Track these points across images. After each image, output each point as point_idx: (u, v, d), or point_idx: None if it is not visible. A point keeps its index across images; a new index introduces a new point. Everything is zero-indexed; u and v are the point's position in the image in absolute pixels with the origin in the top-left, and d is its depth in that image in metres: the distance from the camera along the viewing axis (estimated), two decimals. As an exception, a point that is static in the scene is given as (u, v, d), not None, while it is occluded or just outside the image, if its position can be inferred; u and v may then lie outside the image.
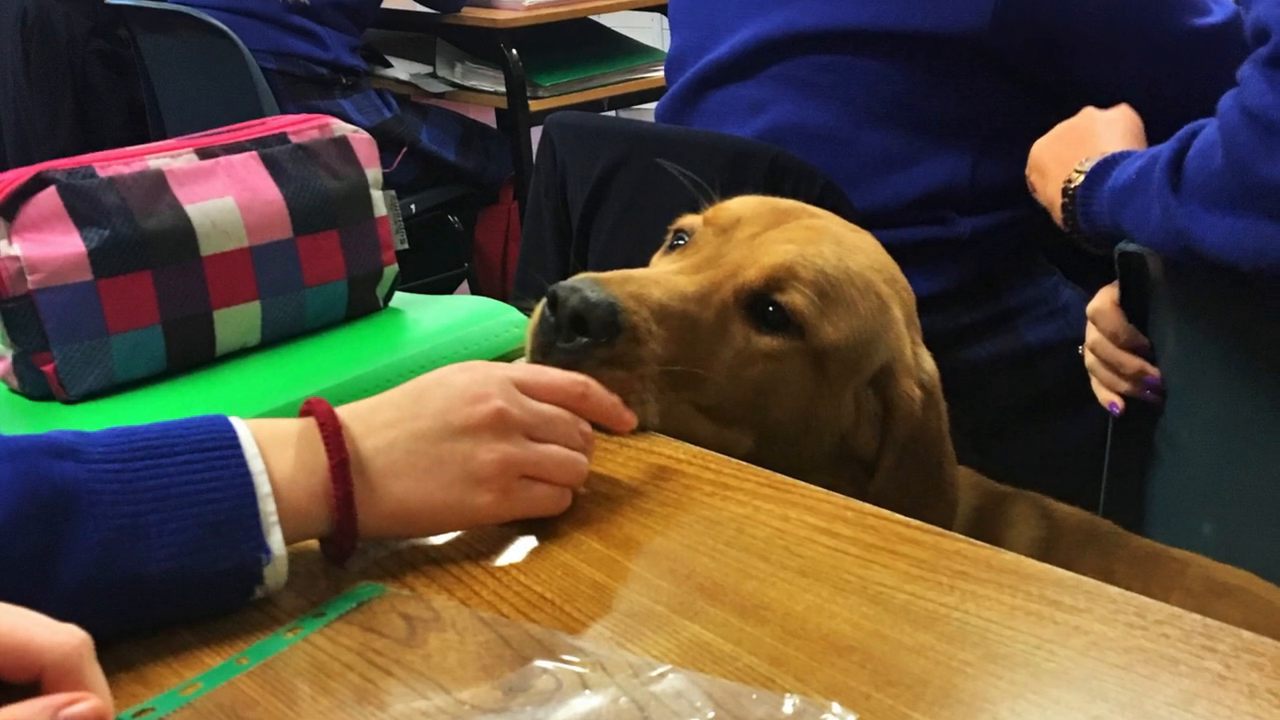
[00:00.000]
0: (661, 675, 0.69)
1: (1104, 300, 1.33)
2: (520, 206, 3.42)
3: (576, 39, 3.53)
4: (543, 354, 1.00)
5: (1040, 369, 1.65)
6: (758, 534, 0.86)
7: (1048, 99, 1.61)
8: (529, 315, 1.05)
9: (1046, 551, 1.11)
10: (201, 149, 1.21)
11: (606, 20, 3.65)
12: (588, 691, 0.68)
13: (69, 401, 1.12)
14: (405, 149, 3.25)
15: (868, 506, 0.89)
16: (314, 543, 0.84)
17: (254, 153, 1.23)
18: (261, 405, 1.10)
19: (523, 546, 0.87)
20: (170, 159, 1.19)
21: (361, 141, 1.31)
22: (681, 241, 1.16)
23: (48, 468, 0.74)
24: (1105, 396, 1.33)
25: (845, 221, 1.17)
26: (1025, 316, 1.67)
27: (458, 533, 0.88)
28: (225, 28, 3.02)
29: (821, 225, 1.13)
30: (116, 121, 3.81)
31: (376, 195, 1.30)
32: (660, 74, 3.33)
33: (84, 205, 1.12)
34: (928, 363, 1.13)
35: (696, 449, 0.99)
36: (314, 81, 3.14)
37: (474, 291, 3.60)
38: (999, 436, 1.62)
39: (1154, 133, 1.36)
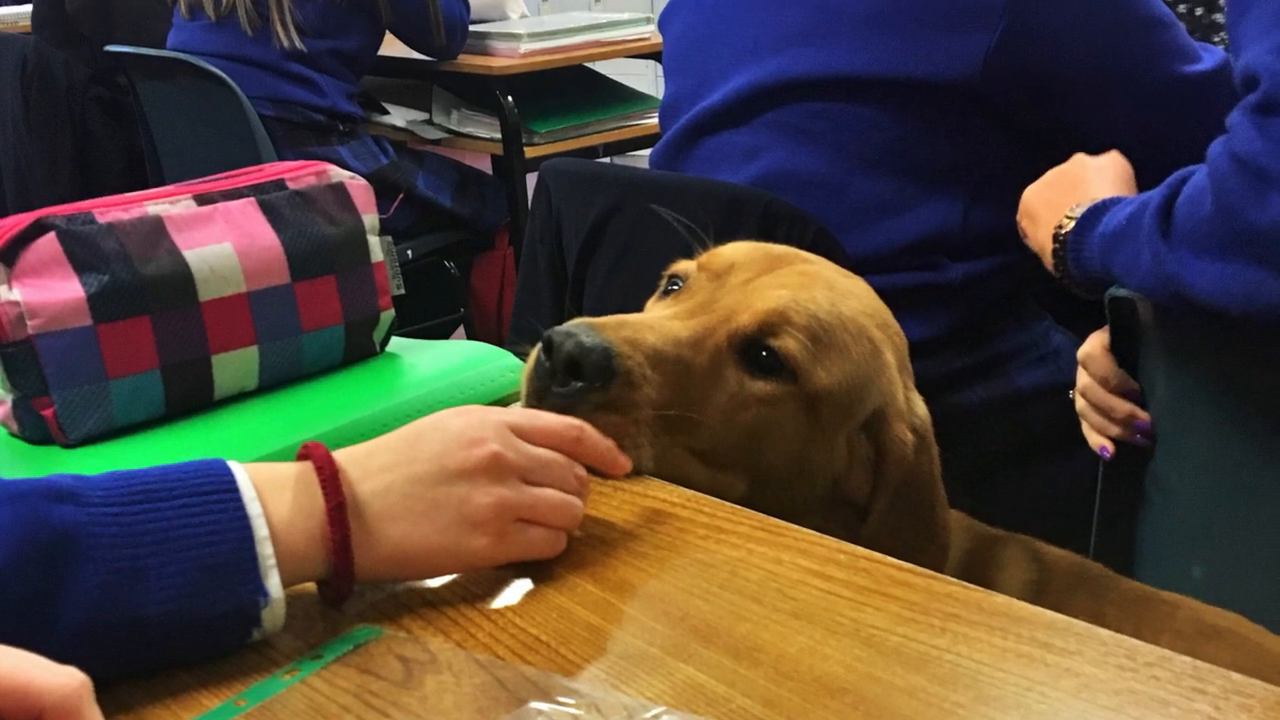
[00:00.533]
0: (656, 717, 0.70)
1: (1094, 345, 1.33)
2: (516, 252, 3.42)
3: (571, 86, 3.55)
4: (538, 398, 1.01)
5: (1031, 413, 1.65)
6: (751, 577, 0.86)
7: (1039, 145, 1.62)
8: (524, 360, 1.05)
9: (1038, 594, 1.12)
10: (200, 195, 1.22)
11: (601, 67, 3.67)
12: (583, 733, 0.69)
13: (68, 445, 1.12)
14: (402, 195, 3.26)
15: (860, 550, 0.89)
16: (311, 585, 0.85)
17: (252, 199, 1.24)
18: (259, 449, 1.10)
19: (518, 589, 0.88)
20: (169, 205, 1.19)
21: (358, 188, 1.31)
22: (676, 287, 1.17)
23: (47, 511, 0.75)
24: (1096, 440, 1.34)
25: (838, 267, 1.18)
26: (1016, 361, 1.67)
27: (454, 575, 0.89)
28: (223, 75, 3.03)
29: (814, 271, 1.13)
30: (116, 168, 3.82)
31: (373, 241, 1.30)
32: (655, 121, 3.35)
33: (83, 251, 1.12)
34: (920, 407, 1.14)
35: (690, 492, 1.00)
36: (311, 128, 3.15)
37: (470, 336, 3.61)
38: (990, 480, 1.63)
39: (1144, 179, 1.36)
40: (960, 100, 1.61)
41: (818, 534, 0.92)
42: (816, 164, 1.64)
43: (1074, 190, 1.38)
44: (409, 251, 3.30)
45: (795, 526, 0.94)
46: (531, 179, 2.14)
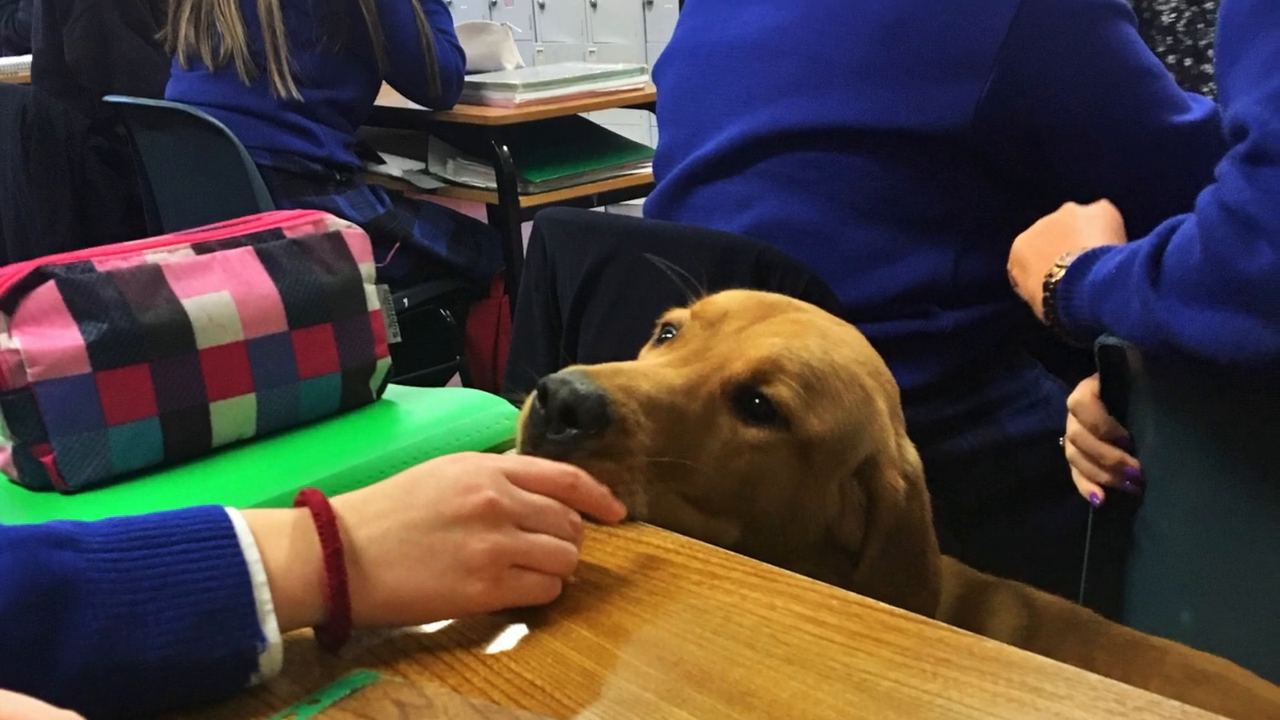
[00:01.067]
0: (649, 760, 0.70)
1: (1084, 393, 1.33)
2: (511, 301, 3.42)
3: (566, 136, 3.56)
4: (533, 445, 1.01)
5: (1022, 460, 1.66)
6: (744, 622, 0.87)
7: (1029, 195, 1.63)
8: (520, 407, 1.06)
9: (1028, 639, 1.12)
10: (198, 244, 1.23)
11: (596, 117, 3.68)
12: (577, 776, 0.69)
13: (68, 492, 1.13)
14: (398, 244, 3.26)
15: (852, 595, 0.90)
16: (308, 630, 0.85)
17: (249, 248, 1.25)
18: (257, 496, 1.11)
19: (513, 634, 0.88)
20: (167, 254, 1.20)
21: (355, 237, 1.32)
22: (669, 335, 1.17)
23: (47, 557, 0.75)
24: (1086, 487, 1.34)
25: (830, 315, 1.19)
26: (1007, 408, 1.67)
27: (450, 620, 0.89)
28: (221, 125, 3.05)
29: (807, 319, 1.14)
30: (114, 217, 3.83)
31: (370, 289, 1.31)
32: (649, 170, 3.34)
33: (82, 299, 1.13)
34: (911, 454, 1.14)
35: (684, 538, 1.00)
36: (308, 178, 3.16)
37: (465, 384, 3.61)
38: (981, 526, 1.63)
39: (1134, 228, 1.37)
40: (951, 150, 1.61)
41: (810, 580, 0.92)
42: (809, 213, 1.65)
43: (1064, 239, 1.38)
44: (405, 300, 3.31)
45: (788, 572, 0.94)
46: (527, 228, 2.15)
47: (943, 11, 1.58)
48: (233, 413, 1.20)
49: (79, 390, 1.11)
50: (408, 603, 0.86)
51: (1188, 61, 2.49)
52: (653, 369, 1.07)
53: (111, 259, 1.18)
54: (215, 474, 1.18)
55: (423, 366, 3.45)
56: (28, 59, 4.14)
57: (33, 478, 1.14)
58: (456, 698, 0.80)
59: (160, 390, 1.15)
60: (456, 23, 3.49)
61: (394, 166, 3.58)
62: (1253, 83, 1.05)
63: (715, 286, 1.21)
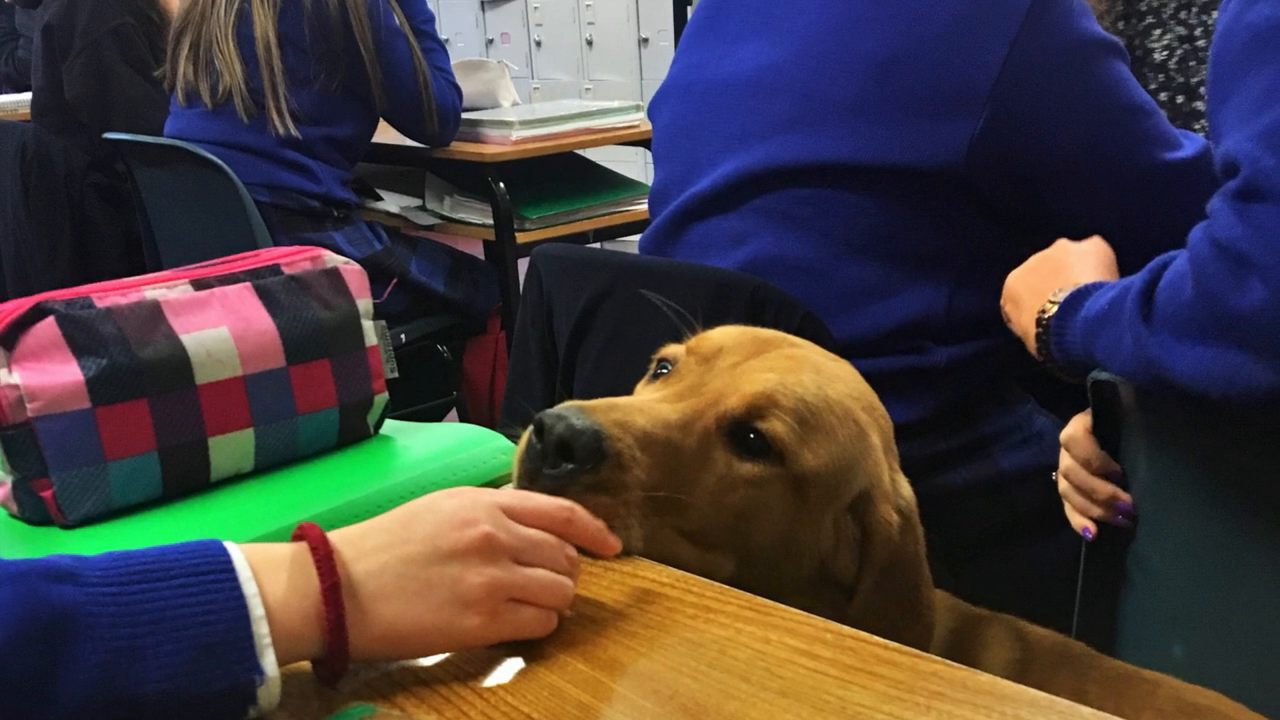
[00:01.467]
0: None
1: (1077, 428, 1.34)
2: (507, 336, 3.43)
3: (562, 173, 3.57)
4: (529, 480, 1.02)
5: (1015, 494, 1.66)
6: (739, 656, 0.87)
7: (1022, 231, 1.63)
8: (516, 442, 1.06)
9: (1021, 673, 1.12)
10: (197, 280, 1.23)
11: (591, 154, 3.69)
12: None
13: (67, 526, 1.13)
14: (395, 280, 3.27)
15: (846, 629, 0.90)
16: (306, 664, 0.86)
17: (248, 284, 1.25)
18: (255, 530, 1.11)
19: (510, 668, 0.89)
20: (166, 290, 1.21)
21: (352, 273, 1.33)
22: (665, 370, 1.18)
23: (47, 591, 0.76)
24: (1078, 521, 1.34)
25: (825, 351, 1.19)
26: (1000, 444, 1.67)
27: (447, 654, 0.90)
28: (220, 162, 3.06)
29: (801, 354, 1.15)
30: (114, 253, 3.84)
31: (367, 325, 1.32)
32: (644, 207, 3.35)
33: (82, 335, 1.13)
34: (905, 489, 1.15)
35: (679, 572, 1.01)
36: (306, 214, 3.17)
37: (462, 419, 3.61)
38: (974, 560, 1.62)
39: (1126, 264, 1.37)
40: (945, 186, 1.62)
41: (805, 613, 0.93)
42: (803, 249, 1.65)
43: (1057, 275, 1.39)
44: (402, 335, 3.31)
45: (783, 606, 0.94)
46: (523, 264, 2.15)
47: (936, 49, 1.59)
48: (231, 447, 1.21)
49: (78, 425, 1.12)
50: (405, 636, 0.86)
51: (1180, 99, 2.50)
52: (648, 404, 1.08)
53: (111, 295, 1.18)
54: (214, 508, 1.18)
55: (420, 401, 3.45)
56: (28, 96, 4.16)
57: (32, 512, 1.14)
58: (453, 731, 0.80)
59: (159, 425, 1.15)
60: (453, 60, 3.50)
61: (391, 203, 3.59)
62: (1244, 120, 1.06)
63: (710, 322, 1.22)
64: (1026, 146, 1.60)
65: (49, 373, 1.11)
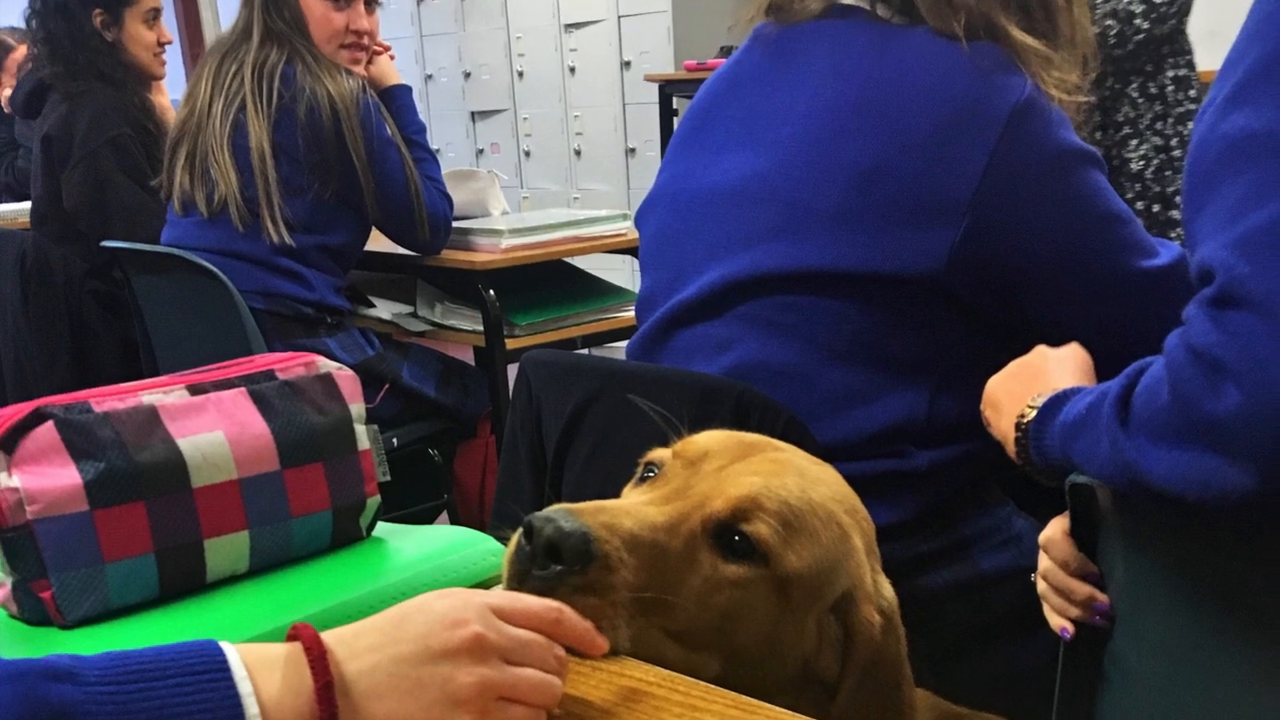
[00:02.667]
0: None
1: (1055, 530, 1.34)
2: (497, 440, 3.42)
3: (551, 280, 3.59)
4: (519, 581, 1.03)
5: (994, 595, 1.65)
6: (724, 753, 0.89)
7: (1001, 337, 1.64)
8: (506, 544, 1.08)
9: (1001, 770, 1.13)
10: (193, 385, 1.25)
11: (579, 262, 3.71)
12: None
13: (66, 626, 1.14)
14: (387, 385, 3.26)
15: (829, 727, 0.92)
16: (299, 761, 0.87)
17: (243, 389, 1.27)
18: (250, 630, 1.12)
19: (499, 766, 0.90)
20: (163, 395, 1.22)
21: (345, 378, 1.34)
22: (652, 474, 1.20)
23: (46, 690, 0.77)
24: (1057, 622, 1.33)
25: (808, 455, 1.21)
26: (980, 545, 1.67)
27: (437, 752, 0.91)
28: (215, 269, 3.07)
29: (785, 458, 1.17)
30: (111, 358, 3.85)
31: (360, 430, 1.33)
32: (631, 314, 3.35)
33: (80, 439, 1.15)
34: (887, 590, 1.16)
35: (666, 672, 1.02)
36: (300, 321, 3.19)
37: (453, 521, 3.60)
38: (955, 660, 1.62)
39: (1103, 369, 1.38)
40: (926, 293, 1.63)
41: (789, 712, 0.94)
42: (787, 355, 1.66)
43: (1035, 381, 1.39)
44: (394, 439, 3.31)
45: (767, 705, 0.95)
46: (512, 370, 2.16)
47: (917, 159, 1.60)
48: (226, 549, 1.22)
49: (77, 527, 1.13)
50: (397, 734, 0.87)
51: (1156, 207, 2.54)
52: (635, 507, 1.10)
53: (109, 399, 1.20)
54: (210, 609, 1.19)
55: (412, 504, 3.44)
56: (27, 205, 4.18)
57: (32, 613, 1.15)
58: (443, 827, 0.81)
59: (156, 528, 1.17)
60: (444, 170, 3.53)
61: (383, 310, 3.60)
62: (1219, 228, 1.06)
63: (696, 427, 1.24)
64: (1006, 254, 1.62)
65: (48, 476, 1.13)
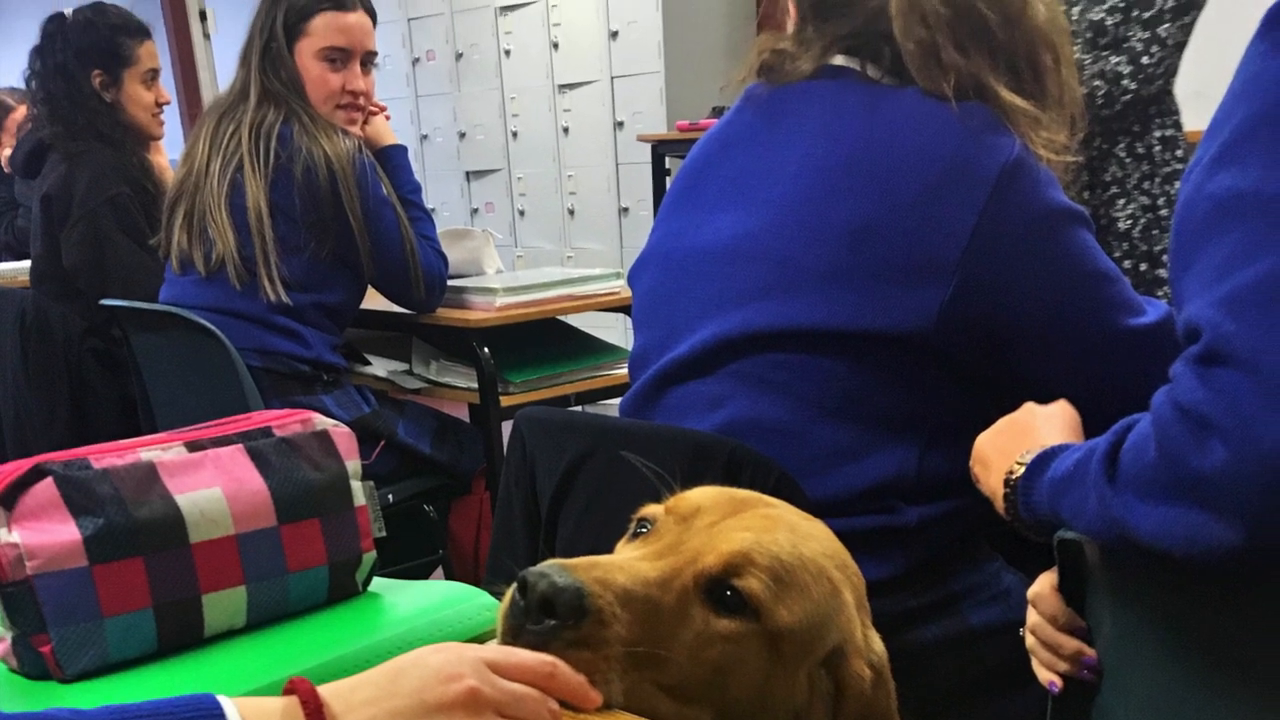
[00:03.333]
0: None
1: (1043, 585, 1.34)
2: (492, 496, 3.42)
3: (545, 338, 3.59)
4: (513, 636, 1.04)
5: (983, 650, 1.66)
6: (715, 805, 0.89)
7: (990, 394, 1.64)
8: (500, 599, 1.08)
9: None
10: (190, 442, 1.26)
11: (573, 320, 3.71)
12: None
13: (65, 680, 1.15)
14: (383, 442, 3.26)
15: (818, 779, 0.92)
16: (295, 814, 0.88)
17: (240, 445, 1.29)
18: (247, 684, 1.13)
19: (493, 818, 0.90)
20: (161, 451, 1.24)
21: (342, 435, 1.36)
22: (644, 530, 1.21)
23: (47, 743, 0.78)
24: (1045, 676, 1.34)
25: (799, 510, 1.22)
26: (969, 600, 1.67)
27: (431, 805, 0.91)
28: (213, 327, 3.08)
29: (777, 514, 1.18)
30: (110, 415, 3.84)
31: (356, 486, 1.34)
32: (624, 371, 3.38)
33: (79, 495, 1.16)
34: (877, 644, 1.17)
35: (658, 725, 1.02)
36: (297, 378, 3.19)
37: (448, 577, 3.58)
38: (944, 714, 1.62)
39: (1091, 426, 1.38)
40: (915, 351, 1.64)
41: (779, 764, 0.95)
42: (778, 412, 1.67)
43: (1024, 437, 1.40)
44: (390, 496, 3.29)
45: (757, 757, 0.97)
46: (507, 426, 2.16)
47: (907, 218, 1.62)
48: (224, 604, 1.23)
49: (76, 583, 1.14)
50: (392, 787, 0.88)
51: (1143, 266, 2.56)
52: (628, 562, 1.10)
53: (107, 456, 1.21)
54: (207, 663, 1.20)
55: (407, 560, 3.43)
56: (27, 264, 4.18)
57: (31, 667, 1.16)
58: None
59: (154, 583, 1.18)
60: (439, 229, 3.53)
61: (379, 367, 3.60)
62: (1205, 287, 1.07)
63: (688, 483, 1.25)
64: (995, 312, 1.63)
65: (48, 532, 1.14)
